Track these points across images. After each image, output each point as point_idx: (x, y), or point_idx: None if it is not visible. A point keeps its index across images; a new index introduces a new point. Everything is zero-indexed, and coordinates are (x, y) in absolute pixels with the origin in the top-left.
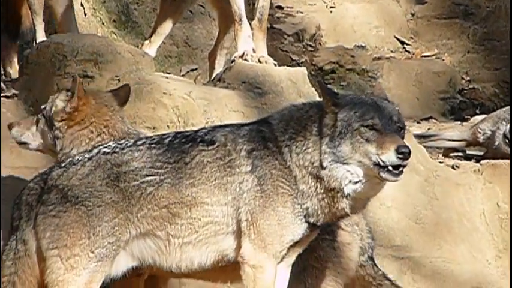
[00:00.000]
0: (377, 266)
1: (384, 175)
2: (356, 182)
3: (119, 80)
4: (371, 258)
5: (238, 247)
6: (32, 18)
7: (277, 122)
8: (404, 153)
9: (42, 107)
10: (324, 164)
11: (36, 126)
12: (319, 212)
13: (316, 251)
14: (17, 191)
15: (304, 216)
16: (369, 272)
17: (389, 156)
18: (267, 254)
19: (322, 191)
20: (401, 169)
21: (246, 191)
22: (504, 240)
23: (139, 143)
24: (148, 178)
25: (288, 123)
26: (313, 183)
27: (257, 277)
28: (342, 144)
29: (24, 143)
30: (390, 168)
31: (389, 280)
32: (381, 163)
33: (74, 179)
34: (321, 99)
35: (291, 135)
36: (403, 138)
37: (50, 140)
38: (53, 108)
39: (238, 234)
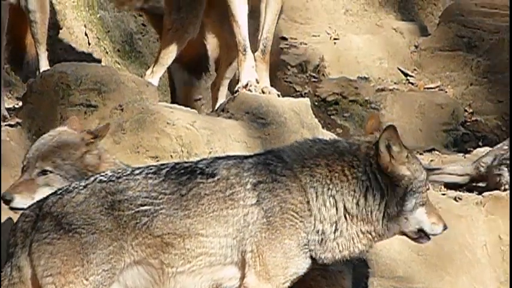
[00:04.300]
0: None
1: (423, 240)
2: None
3: (122, 109)
4: None
5: (236, 278)
6: (36, 48)
7: (297, 162)
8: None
9: (50, 169)
10: (392, 214)
11: (49, 186)
12: (337, 250)
13: (307, 282)
14: None
15: (310, 251)
16: None
17: (438, 229)
18: (270, 285)
19: (354, 232)
20: None
21: (251, 223)
22: (506, 272)
23: (136, 172)
24: (143, 208)
25: (312, 167)
26: (344, 226)
27: None
28: (407, 201)
29: None
30: (431, 237)
31: None
32: (431, 232)
33: (68, 206)
34: (323, 131)
35: (318, 178)
36: None
37: None
38: (79, 166)
39: (238, 265)
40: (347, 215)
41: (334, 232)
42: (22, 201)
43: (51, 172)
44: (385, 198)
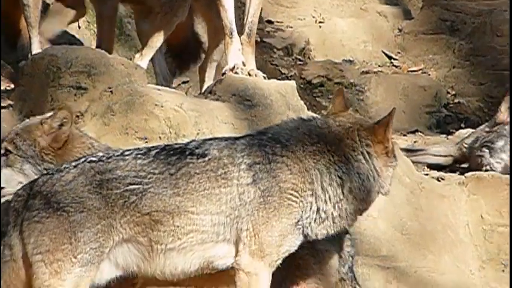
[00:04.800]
0: (356, 280)
1: None
2: None
3: (111, 91)
4: (351, 270)
5: (228, 256)
6: (28, 31)
7: (298, 146)
8: None
9: (10, 149)
10: (384, 191)
11: (10, 167)
12: (332, 227)
13: (295, 260)
14: None
15: (305, 228)
16: None
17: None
18: (263, 263)
19: (352, 210)
20: None
21: (248, 202)
22: (487, 251)
23: (126, 153)
24: (132, 187)
25: (315, 152)
26: (345, 205)
27: (251, 284)
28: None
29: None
30: None
31: None
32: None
33: (57, 185)
34: (308, 113)
35: (322, 162)
36: None
37: (35, 173)
38: (36, 148)
39: (231, 243)
40: (350, 195)
41: (334, 211)
42: None
43: (11, 152)
44: (380, 179)
